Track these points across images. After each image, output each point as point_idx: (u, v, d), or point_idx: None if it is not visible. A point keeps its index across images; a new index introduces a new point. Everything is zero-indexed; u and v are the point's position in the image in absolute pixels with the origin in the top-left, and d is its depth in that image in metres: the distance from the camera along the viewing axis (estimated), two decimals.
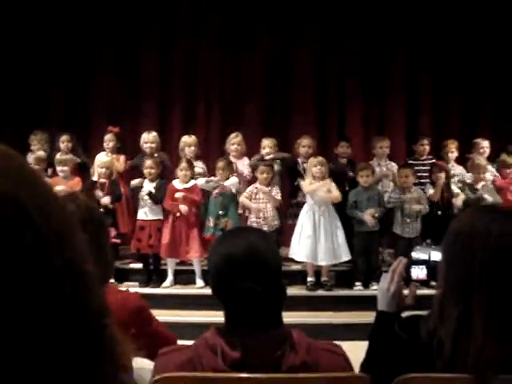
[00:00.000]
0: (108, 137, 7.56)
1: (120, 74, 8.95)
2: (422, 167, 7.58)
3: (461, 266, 1.63)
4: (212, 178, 6.97)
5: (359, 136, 8.89)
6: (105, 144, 7.55)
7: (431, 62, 9.00)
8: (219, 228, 6.59)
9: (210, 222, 6.81)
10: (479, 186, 7.13)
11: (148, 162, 6.94)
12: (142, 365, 1.81)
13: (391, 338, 1.73)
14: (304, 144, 7.43)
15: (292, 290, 6.43)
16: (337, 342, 1.77)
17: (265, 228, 6.58)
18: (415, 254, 1.82)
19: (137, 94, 8.99)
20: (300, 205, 6.92)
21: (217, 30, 9.02)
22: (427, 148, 7.86)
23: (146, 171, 6.92)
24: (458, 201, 7.09)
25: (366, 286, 6.76)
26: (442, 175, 7.17)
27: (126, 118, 8.64)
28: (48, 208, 0.57)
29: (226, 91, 9.10)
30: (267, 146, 7.40)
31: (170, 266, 6.87)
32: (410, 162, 7.71)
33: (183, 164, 6.87)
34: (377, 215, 6.78)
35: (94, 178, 7.06)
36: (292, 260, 6.83)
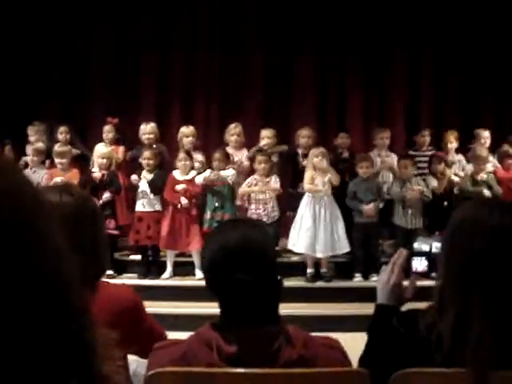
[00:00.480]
0: (107, 128, 7.54)
1: (118, 65, 8.92)
2: (422, 158, 7.56)
3: (459, 257, 1.63)
4: (208, 171, 6.89)
5: (359, 127, 8.88)
6: (104, 135, 7.52)
7: (431, 52, 8.97)
8: (216, 220, 6.55)
9: (208, 215, 6.79)
10: (480, 177, 7.09)
11: (146, 153, 6.92)
12: (138, 362, 1.80)
13: (390, 332, 1.71)
14: (304, 135, 7.40)
15: (291, 282, 6.41)
16: (337, 334, 1.75)
17: (264, 219, 6.57)
18: (417, 245, 1.80)
19: (135, 85, 8.97)
20: (300, 196, 6.90)
21: (218, 19, 8.99)
22: (428, 139, 7.84)
23: (144, 162, 6.90)
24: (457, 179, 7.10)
25: (365, 277, 6.75)
26: (443, 166, 7.15)
27: (125, 109, 8.60)
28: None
29: (225, 82, 9.07)
30: (266, 136, 7.38)
31: (169, 257, 6.86)
32: (411, 152, 7.69)
33: (182, 155, 6.85)
34: (380, 206, 6.77)
35: (93, 169, 7.03)
36: (291, 251, 6.82)
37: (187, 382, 1.52)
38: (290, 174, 7.47)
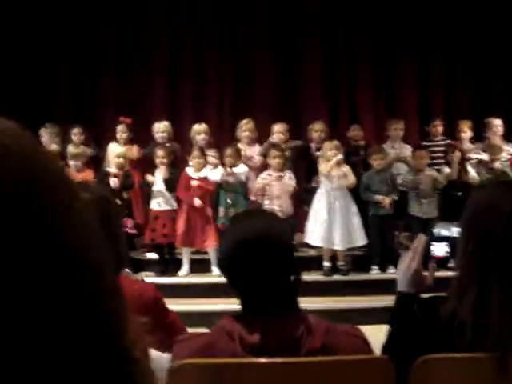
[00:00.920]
0: (120, 128, 7.55)
1: (128, 63, 8.94)
2: (436, 148, 7.53)
3: (476, 243, 1.62)
4: (221, 169, 6.90)
5: (371, 119, 8.85)
6: (117, 135, 7.53)
7: (442, 42, 8.94)
8: (229, 217, 6.55)
9: (221, 212, 6.80)
10: (495, 165, 7.05)
11: (160, 152, 6.94)
12: (159, 355, 1.80)
13: (411, 320, 1.71)
14: (316, 129, 7.39)
15: (308, 276, 6.41)
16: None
17: (279, 214, 6.56)
18: (436, 231, 1.80)
19: (146, 83, 8.99)
20: (314, 190, 6.88)
21: (228, 18, 8.99)
22: (440, 129, 7.79)
23: (157, 160, 6.91)
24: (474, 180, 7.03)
25: (382, 269, 6.73)
26: (458, 153, 7.12)
27: (136, 108, 8.61)
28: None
29: (236, 79, 9.07)
30: (278, 131, 7.36)
31: (186, 254, 6.88)
32: (425, 143, 7.65)
33: (195, 152, 6.86)
34: (395, 198, 6.75)
35: (108, 169, 7.07)
36: (308, 245, 6.82)
37: (211, 373, 1.53)
38: (304, 168, 7.46)
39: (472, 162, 7.29)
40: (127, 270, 6.17)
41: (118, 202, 6.62)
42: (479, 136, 7.75)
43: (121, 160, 6.98)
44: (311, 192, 6.96)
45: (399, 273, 1.84)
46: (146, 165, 7.35)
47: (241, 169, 6.90)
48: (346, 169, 6.71)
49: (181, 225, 6.75)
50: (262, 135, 7.56)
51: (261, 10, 8.95)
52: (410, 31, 8.97)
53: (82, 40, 8.85)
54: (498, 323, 1.52)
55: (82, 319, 0.54)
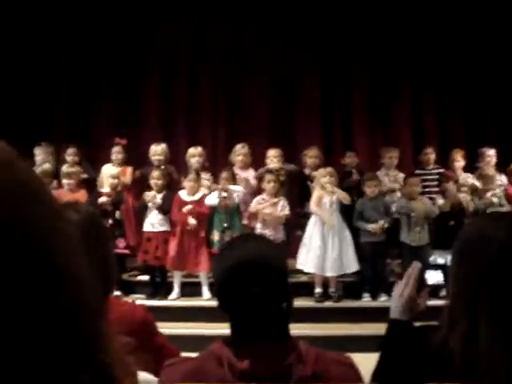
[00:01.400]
0: (116, 149, 7.56)
1: (123, 84, 8.97)
2: (429, 176, 7.55)
3: (467, 273, 1.62)
4: (216, 192, 6.91)
5: (365, 146, 8.89)
6: (113, 156, 7.54)
7: (434, 71, 9.04)
8: (225, 241, 6.53)
9: (216, 236, 6.78)
10: (488, 195, 7.08)
11: (155, 174, 6.95)
12: (147, 378, 1.78)
13: (402, 348, 1.70)
14: (311, 155, 7.42)
15: (299, 302, 6.38)
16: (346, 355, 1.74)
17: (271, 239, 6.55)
18: (433, 259, 1.80)
19: (140, 106, 9.02)
20: (308, 215, 6.89)
21: (221, 40, 9.05)
22: (432, 157, 7.82)
23: (152, 182, 6.92)
24: (470, 208, 7.03)
25: (374, 297, 6.71)
26: (451, 185, 7.14)
27: (130, 129, 8.63)
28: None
29: (231, 103, 9.11)
30: (273, 156, 7.39)
31: (177, 278, 6.85)
32: (417, 172, 7.66)
33: (192, 175, 6.87)
34: (386, 225, 6.75)
35: (103, 190, 7.08)
36: (299, 271, 6.80)
37: None
38: (297, 193, 7.47)
39: (465, 189, 7.29)
40: (117, 292, 6.15)
41: (110, 221, 6.62)
42: (471, 165, 7.78)
43: (115, 181, 7.00)
44: (305, 217, 6.97)
45: (392, 300, 1.83)
46: (141, 187, 7.34)
47: (237, 187, 6.91)
48: (339, 192, 6.71)
49: (173, 247, 6.73)
50: (255, 160, 7.58)
51: (255, 35, 9.00)
52: (405, 59, 9.06)
53: (77, 61, 8.90)
54: (487, 353, 1.52)
55: (59, 333, 0.53)
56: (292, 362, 1.53)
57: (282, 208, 6.82)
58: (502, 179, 7.51)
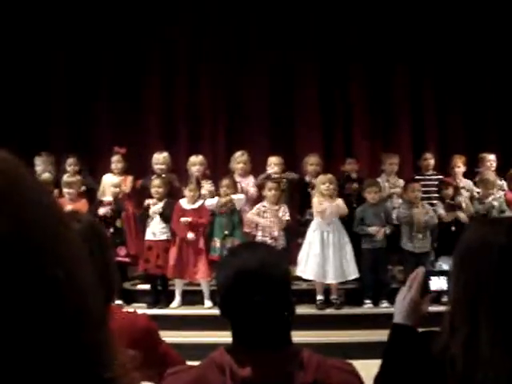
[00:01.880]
0: (116, 158, 7.57)
1: (123, 95, 8.98)
2: (428, 182, 7.54)
3: (468, 278, 1.61)
4: (217, 198, 6.93)
5: (365, 153, 8.88)
6: (113, 165, 7.55)
7: (434, 77, 9.05)
8: (226, 248, 6.55)
9: (217, 243, 6.79)
10: (488, 200, 7.07)
11: (155, 182, 6.97)
12: None
13: (406, 352, 1.69)
14: (311, 162, 7.43)
15: (301, 309, 6.36)
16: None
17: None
18: (439, 265, 1.80)
19: (140, 114, 9.02)
20: (308, 223, 6.89)
21: (220, 47, 9.07)
22: (431, 162, 7.82)
23: (153, 190, 6.93)
24: (463, 216, 7.01)
25: (375, 303, 6.70)
26: (450, 191, 7.13)
27: (131, 139, 8.63)
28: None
29: (231, 110, 9.12)
30: (274, 163, 7.39)
31: (178, 286, 6.84)
32: (417, 177, 7.66)
33: (192, 184, 6.87)
34: (388, 232, 6.75)
35: (105, 198, 7.09)
36: (301, 278, 6.79)
37: None
38: (298, 201, 7.47)
39: (465, 196, 7.30)
40: (119, 301, 6.14)
41: (111, 230, 6.62)
42: (471, 170, 7.79)
43: (116, 190, 7.02)
44: (305, 224, 6.97)
45: (396, 305, 1.83)
46: (141, 196, 7.34)
47: (238, 196, 6.92)
48: (339, 201, 6.72)
49: (172, 256, 6.73)
50: (256, 167, 7.58)
51: (256, 43, 9.02)
52: (406, 65, 9.07)
53: (77, 69, 8.91)
54: (488, 359, 1.51)
55: (62, 343, 0.53)
56: (293, 369, 1.53)
57: (283, 214, 6.82)
58: (504, 185, 7.50)
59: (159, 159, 7.49)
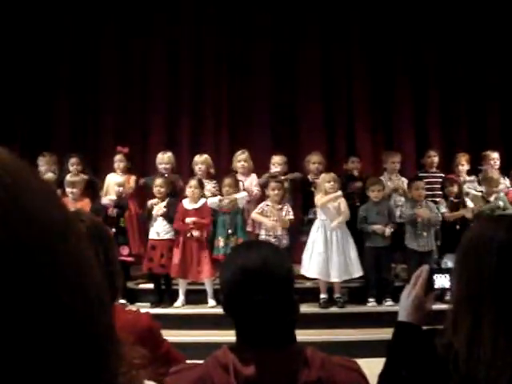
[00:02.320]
0: (118, 157, 7.57)
1: (127, 93, 8.99)
2: (432, 179, 7.53)
3: (470, 275, 1.61)
4: (219, 197, 6.94)
5: (368, 151, 8.87)
6: (115, 164, 7.56)
7: (438, 75, 9.02)
8: (230, 247, 6.55)
9: (220, 242, 6.78)
10: (492, 198, 7.06)
11: (158, 181, 6.97)
12: None
13: (411, 350, 1.69)
14: (314, 161, 7.42)
15: (305, 308, 6.37)
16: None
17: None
18: (444, 262, 1.80)
19: (144, 113, 9.03)
20: (312, 222, 6.89)
21: (222, 46, 9.07)
22: (435, 160, 7.81)
23: (155, 190, 6.93)
24: (468, 214, 7.01)
25: (379, 302, 6.69)
26: (455, 189, 7.13)
27: (134, 138, 8.64)
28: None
29: (233, 109, 9.11)
30: (277, 162, 7.40)
31: (182, 285, 6.84)
32: (421, 174, 7.65)
33: (192, 182, 6.86)
34: (392, 230, 6.75)
35: (106, 197, 7.11)
36: (304, 277, 6.79)
37: None
38: (301, 200, 7.47)
39: (469, 196, 7.30)
40: (122, 300, 6.14)
41: (114, 230, 6.63)
42: (474, 169, 7.77)
43: (120, 188, 7.04)
44: (309, 223, 6.97)
45: (401, 302, 1.83)
46: (144, 196, 7.35)
47: (241, 194, 6.92)
48: (342, 203, 6.71)
49: (176, 256, 6.72)
50: (259, 167, 7.58)
51: (260, 42, 9.01)
52: (408, 63, 9.06)
53: (80, 69, 8.92)
54: (490, 355, 1.51)
55: (70, 341, 0.53)
56: (297, 367, 1.52)
57: (287, 213, 6.82)
58: (506, 182, 7.50)
59: (163, 159, 7.50)
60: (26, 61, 8.67)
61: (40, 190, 0.56)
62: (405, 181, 7.53)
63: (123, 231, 6.92)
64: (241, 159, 7.45)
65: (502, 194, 7.14)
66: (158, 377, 1.98)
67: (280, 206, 6.82)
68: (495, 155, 7.77)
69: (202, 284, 6.85)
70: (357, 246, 6.72)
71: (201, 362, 1.63)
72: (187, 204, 6.81)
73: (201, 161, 7.43)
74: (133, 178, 7.58)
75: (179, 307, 6.75)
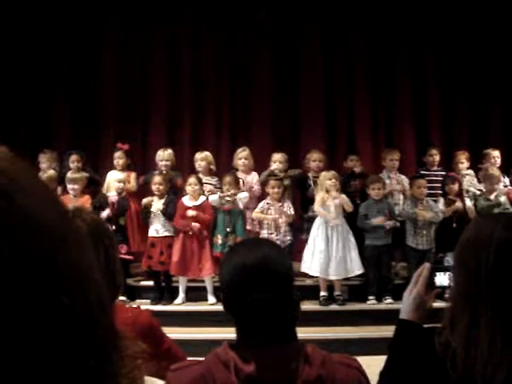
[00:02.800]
0: (118, 154, 7.57)
1: (127, 90, 8.98)
2: (434, 177, 7.53)
3: (467, 274, 1.62)
4: (219, 194, 6.94)
5: (368, 149, 8.87)
6: (115, 161, 7.56)
7: (438, 73, 9.01)
8: (228, 245, 6.55)
9: (219, 240, 6.79)
10: (492, 196, 7.07)
11: (157, 179, 6.96)
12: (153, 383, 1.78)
13: (411, 349, 1.69)
14: (314, 158, 7.42)
15: (305, 306, 6.37)
16: None
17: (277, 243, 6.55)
18: (447, 260, 1.80)
19: (145, 110, 9.03)
20: (313, 219, 6.88)
21: (224, 45, 9.07)
22: (437, 158, 7.81)
23: (154, 187, 6.93)
24: (460, 206, 7.03)
25: (379, 299, 6.70)
26: (456, 186, 7.13)
27: (135, 136, 8.63)
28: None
29: (234, 108, 9.11)
30: (278, 160, 7.40)
31: (182, 283, 6.85)
32: (422, 172, 7.64)
33: (191, 179, 6.86)
34: (397, 225, 6.75)
35: (109, 194, 7.12)
36: (305, 275, 6.79)
37: None
38: (301, 197, 7.47)
39: (469, 194, 7.30)
40: (122, 297, 6.15)
41: (113, 227, 6.63)
42: (474, 167, 7.78)
43: (121, 184, 7.06)
44: (310, 221, 6.96)
45: (403, 301, 1.83)
46: (144, 193, 7.35)
47: (242, 194, 6.92)
48: (343, 199, 6.71)
49: (176, 253, 6.72)
50: (260, 164, 7.58)
51: (261, 41, 9.00)
52: (408, 63, 9.05)
53: (81, 67, 8.91)
54: (487, 353, 1.51)
55: (72, 341, 0.53)
56: (298, 365, 1.53)
57: (288, 210, 6.83)
58: (506, 181, 7.50)
59: (163, 156, 7.49)
60: (28, 60, 8.66)
61: (38, 190, 0.56)
62: (404, 178, 7.53)
63: (122, 229, 6.91)
64: (242, 157, 7.45)
65: (501, 195, 7.13)
66: (160, 370, 1.99)
67: (280, 204, 6.82)
68: (496, 153, 7.77)
69: (202, 281, 6.85)
70: (357, 244, 6.72)
71: (201, 359, 1.64)
72: (187, 201, 6.80)
73: (201, 158, 7.43)
74: (133, 175, 7.57)
75: (179, 304, 6.76)
